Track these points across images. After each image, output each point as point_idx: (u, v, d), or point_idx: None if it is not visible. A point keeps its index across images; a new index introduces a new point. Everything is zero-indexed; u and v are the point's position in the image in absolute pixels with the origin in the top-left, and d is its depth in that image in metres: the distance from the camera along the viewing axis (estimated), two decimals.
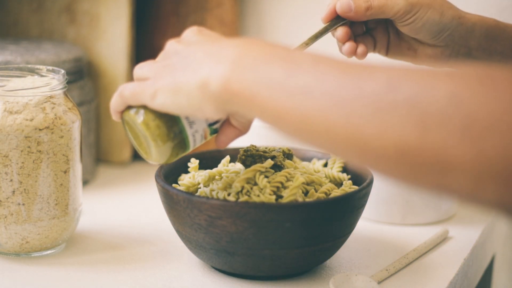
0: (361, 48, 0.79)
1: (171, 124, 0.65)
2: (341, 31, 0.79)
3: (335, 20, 0.78)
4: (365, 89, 0.49)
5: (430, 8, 0.77)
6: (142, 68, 0.65)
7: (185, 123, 0.65)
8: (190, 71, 0.60)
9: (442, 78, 0.46)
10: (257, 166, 0.74)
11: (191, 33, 0.64)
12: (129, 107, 0.66)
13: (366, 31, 0.82)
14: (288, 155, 0.78)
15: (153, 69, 0.64)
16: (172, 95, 0.61)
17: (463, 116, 0.44)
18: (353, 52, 0.79)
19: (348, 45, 0.79)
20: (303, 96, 0.52)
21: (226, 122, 0.67)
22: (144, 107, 0.64)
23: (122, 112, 0.66)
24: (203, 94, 0.59)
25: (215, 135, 0.68)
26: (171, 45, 0.65)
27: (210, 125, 0.67)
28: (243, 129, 0.67)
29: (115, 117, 0.67)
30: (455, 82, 0.45)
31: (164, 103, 0.62)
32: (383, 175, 0.49)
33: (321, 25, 0.79)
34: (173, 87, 0.61)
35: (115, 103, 0.66)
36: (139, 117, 0.65)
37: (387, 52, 0.83)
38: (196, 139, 0.67)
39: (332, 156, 0.84)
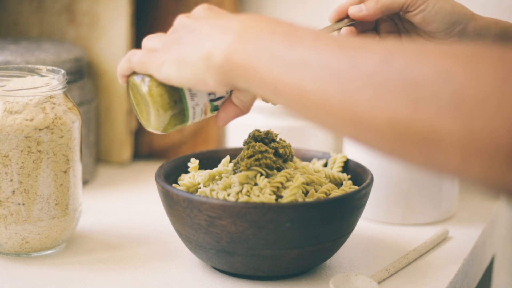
0: None
1: (173, 94, 0.67)
2: (346, 31, 0.78)
3: (343, 20, 0.78)
4: (360, 64, 0.50)
5: (438, 4, 0.76)
6: (150, 40, 0.67)
7: (187, 95, 0.67)
8: (196, 43, 0.62)
9: (435, 55, 0.47)
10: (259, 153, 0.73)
11: (201, 9, 0.66)
12: (135, 73, 0.68)
13: (374, 29, 0.81)
14: (288, 156, 0.78)
15: (161, 41, 0.65)
16: (177, 67, 0.63)
17: (453, 92, 0.45)
18: None
19: None
20: (301, 69, 0.53)
21: (228, 100, 0.68)
22: (150, 75, 0.66)
23: (128, 77, 0.68)
24: (206, 65, 0.60)
25: (215, 112, 0.69)
26: (180, 20, 0.66)
27: (212, 100, 0.68)
28: (244, 109, 0.69)
29: (121, 80, 0.69)
30: (447, 59, 0.46)
31: (169, 74, 0.63)
32: (374, 149, 0.51)
33: (326, 24, 0.78)
34: (178, 59, 0.62)
35: (122, 68, 0.68)
36: (144, 84, 0.66)
37: None
38: (196, 112, 0.68)
39: (332, 156, 0.84)
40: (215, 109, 0.69)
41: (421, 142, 0.46)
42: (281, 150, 0.76)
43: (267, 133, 0.77)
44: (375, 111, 0.48)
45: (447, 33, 0.78)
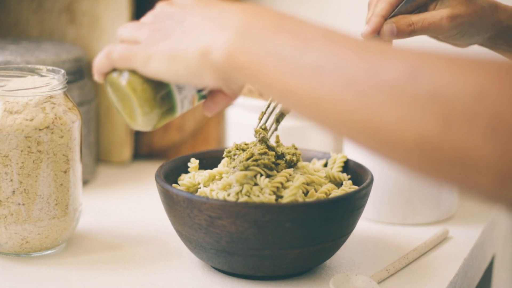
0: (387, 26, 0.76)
1: (159, 89, 0.62)
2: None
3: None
4: (384, 76, 0.47)
5: (472, 26, 0.76)
6: (128, 29, 0.62)
7: (174, 89, 0.63)
8: (189, 36, 0.57)
9: (467, 70, 0.44)
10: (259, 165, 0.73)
11: None
12: (114, 69, 0.63)
13: None
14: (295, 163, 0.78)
15: (143, 32, 0.61)
16: (168, 62, 0.58)
17: (489, 115, 0.42)
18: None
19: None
20: (315, 75, 0.50)
21: (216, 88, 0.64)
22: (131, 70, 0.62)
23: (106, 74, 0.64)
24: (203, 62, 0.56)
25: (202, 100, 0.66)
26: (162, 8, 0.61)
27: (199, 91, 0.64)
28: (233, 96, 0.64)
29: (98, 78, 0.64)
30: (481, 76, 0.44)
31: (158, 69, 0.59)
32: (399, 167, 0.48)
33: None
34: (170, 53, 0.58)
35: (100, 64, 0.63)
36: (126, 81, 0.62)
37: None
38: (184, 105, 0.65)
39: (332, 156, 0.84)
40: (203, 98, 0.65)
41: (452, 164, 0.44)
42: (288, 157, 0.76)
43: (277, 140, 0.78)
44: (400, 128, 0.45)
45: (467, 43, 0.79)
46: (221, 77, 0.57)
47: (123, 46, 0.61)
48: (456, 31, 0.76)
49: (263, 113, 0.78)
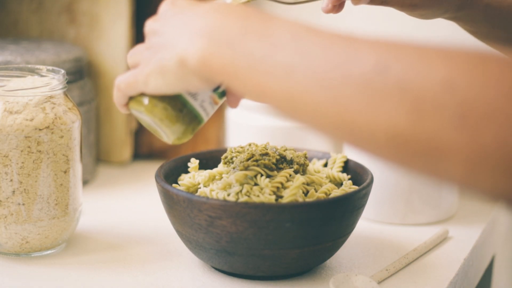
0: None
1: (175, 103, 0.64)
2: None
3: None
4: (352, 70, 0.47)
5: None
6: (132, 56, 0.65)
7: (188, 98, 0.65)
8: (168, 48, 0.59)
9: (435, 61, 0.45)
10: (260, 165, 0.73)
11: (165, 7, 0.63)
12: (131, 97, 0.65)
13: None
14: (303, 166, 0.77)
15: (140, 54, 0.63)
16: (161, 76, 0.60)
17: (459, 104, 0.43)
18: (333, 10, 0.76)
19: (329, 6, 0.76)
20: (286, 74, 0.51)
21: None
22: (144, 94, 0.64)
23: (127, 105, 0.66)
24: (184, 69, 0.58)
25: (225, 97, 0.67)
26: (149, 26, 0.63)
27: (215, 90, 0.66)
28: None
29: (122, 110, 0.67)
30: (449, 66, 0.44)
31: (156, 85, 0.61)
32: (374, 157, 0.49)
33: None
34: (159, 68, 0.60)
35: (117, 98, 0.66)
36: (142, 106, 0.64)
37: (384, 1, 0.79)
38: (206, 108, 0.66)
39: (332, 156, 0.84)
40: (223, 94, 0.67)
41: (423, 153, 0.45)
42: (296, 167, 0.75)
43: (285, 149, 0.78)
44: (372, 121, 0.46)
45: (436, 15, 0.77)
46: (205, 80, 0.59)
47: (127, 74, 0.64)
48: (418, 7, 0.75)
49: None
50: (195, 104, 0.65)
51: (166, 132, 0.66)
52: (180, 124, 0.65)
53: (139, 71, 0.62)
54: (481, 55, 0.44)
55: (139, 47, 0.64)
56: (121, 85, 0.64)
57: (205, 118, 0.67)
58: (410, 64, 0.45)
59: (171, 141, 0.67)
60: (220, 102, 0.68)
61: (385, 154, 0.47)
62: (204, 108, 0.66)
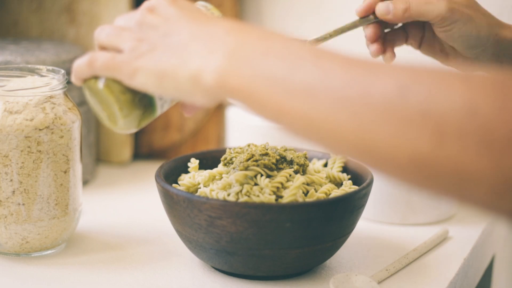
0: (389, 54, 0.77)
1: (137, 92, 0.62)
2: (371, 30, 0.77)
3: (368, 17, 0.76)
4: (374, 93, 0.47)
5: (470, 21, 0.75)
6: (106, 32, 0.61)
7: (156, 96, 0.63)
8: (177, 56, 0.57)
9: (458, 85, 0.44)
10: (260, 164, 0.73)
11: (164, 2, 0.60)
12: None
13: (402, 27, 0.80)
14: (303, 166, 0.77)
15: (125, 40, 0.60)
16: (156, 79, 0.58)
17: (482, 129, 0.42)
18: (379, 54, 0.77)
19: (376, 47, 0.77)
20: (306, 95, 0.50)
21: None
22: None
23: (85, 79, 0.63)
24: (194, 85, 0.56)
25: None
26: (143, 16, 0.60)
27: None
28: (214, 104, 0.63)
29: (76, 82, 0.63)
30: (471, 91, 0.44)
31: (145, 84, 0.59)
32: (396, 181, 0.48)
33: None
34: (158, 71, 0.58)
35: (81, 71, 0.62)
36: (105, 85, 0.62)
37: (419, 47, 0.80)
38: (164, 105, 0.65)
39: (332, 156, 0.84)
40: None
41: (447, 179, 0.44)
42: (296, 167, 0.75)
43: (285, 149, 0.78)
44: (393, 145, 0.46)
45: (468, 52, 0.77)
46: (213, 99, 0.57)
47: (106, 55, 0.61)
48: (453, 19, 0.74)
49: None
50: (158, 102, 0.64)
51: (118, 118, 0.63)
52: (136, 113, 0.63)
53: (125, 60, 0.59)
54: (503, 79, 0.44)
55: (115, 27, 0.61)
56: (97, 63, 0.61)
57: (158, 114, 0.65)
58: (432, 88, 0.45)
59: (117, 128, 0.64)
60: (174, 103, 0.66)
61: (407, 178, 0.47)
62: (163, 105, 0.64)
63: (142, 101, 0.63)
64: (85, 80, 0.63)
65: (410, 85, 0.46)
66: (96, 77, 0.63)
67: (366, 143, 0.47)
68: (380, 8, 0.75)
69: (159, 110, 0.65)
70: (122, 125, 0.64)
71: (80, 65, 0.62)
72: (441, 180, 0.45)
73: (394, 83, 0.46)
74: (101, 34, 0.62)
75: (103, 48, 0.62)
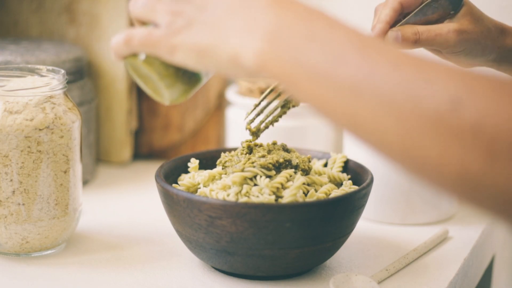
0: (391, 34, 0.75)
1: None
2: (390, 14, 0.75)
3: None
4: (424, 103, 0.45)
5: (477, 45, 0.75)
6: (141, 5, 0.59)
7: None
8: (215, 35, 0.55)
9: (507, 98, 0.43)
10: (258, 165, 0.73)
11: None
12: None
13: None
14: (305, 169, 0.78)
15: (161, 14, 0.58)
16: (196, 56, 0.56)
17: None
18: (381, 35, 0.75)
19: (381, 27, 0.75)
20: (351, 94, 0.48)
21: None
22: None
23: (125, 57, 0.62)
24: (235, 66, 0.54)
25: None
26: None
27: None
28: None
29: (116, 60, 0.63)
30: None
31: (185, 60, 0.57)
32: (440, 191, 0.47)
33: None
34: (197, 49, 0.56)
35: (120, 50, 0.61)
36: (145, 61, 0.61)
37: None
38: (209, 72, 0.63)
39: (332, 156, 0.84)
40: None
41: (495, 195, 0.43)
42: (300, 173, 0.75)
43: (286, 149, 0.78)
44: (442, 158, 0.44)
45: (469, 61, 0.78)
46: (253, 77, 0.55)
47: (143, 32, 0.59)
48: (462, 47, 0.75)
49: (256, 105, 0.78)
50: None
51: (164, 91, 0.62)
52: (180, 84, 0.62)
53: (163, 37, 0.57)
54: None
55: (151, 0, 0.59)
56: (134, 41, 0.59)
57: (204, 81, 0.64)
58: (486, 102, 0.43)
59: (165, 100, 0.63)
60: None
61: (454, 191, 0.45)
62: (207, 71, 0.63)
63: (186, 72, 0.62)
64: (125, 57, 0.62)
65: (463, 96, 0.44)
66: (135, 54, 0.62)
67: (412, 152, 0.46)
68: (389, 37, 0.74)
69: (205, 78, 0.63)
70: (168, 96, 0.63)
71: (118, 43, 0.61)
72: (488, 196, 0.43)
73: (447, 94, 0.44)
74: (136, 6, 0.60)
75: (139, 21, 0.61)
